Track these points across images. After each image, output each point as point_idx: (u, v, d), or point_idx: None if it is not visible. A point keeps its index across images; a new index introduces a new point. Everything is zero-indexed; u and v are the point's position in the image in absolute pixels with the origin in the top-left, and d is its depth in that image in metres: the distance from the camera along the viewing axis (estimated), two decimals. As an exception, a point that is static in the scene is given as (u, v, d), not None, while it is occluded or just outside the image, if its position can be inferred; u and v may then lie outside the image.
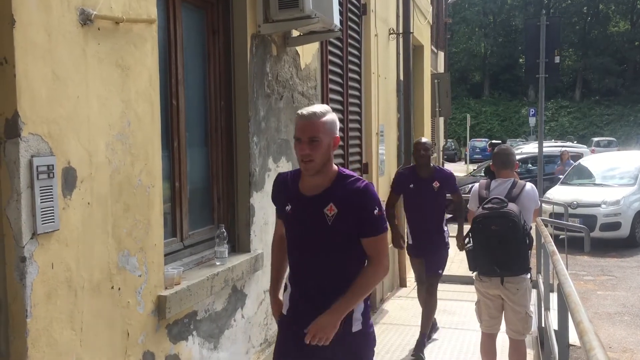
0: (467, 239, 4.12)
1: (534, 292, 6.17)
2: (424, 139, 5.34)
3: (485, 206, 3.97)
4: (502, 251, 3.91)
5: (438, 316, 6.27)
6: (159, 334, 2.70)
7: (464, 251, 4.29)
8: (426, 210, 5.17)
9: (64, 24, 2.14)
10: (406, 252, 5.66)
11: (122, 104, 2.45)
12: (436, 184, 5.13)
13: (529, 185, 4.16)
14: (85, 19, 2.23)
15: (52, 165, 2.07)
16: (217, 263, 3.26)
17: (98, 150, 2.31)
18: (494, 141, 33.25)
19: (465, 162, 27.93)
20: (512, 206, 3.91)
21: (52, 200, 2.07)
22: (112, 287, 2.40)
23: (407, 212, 5.42)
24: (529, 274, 4.09)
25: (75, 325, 2.20)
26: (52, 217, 2.07)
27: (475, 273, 4.19)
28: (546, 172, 13.07)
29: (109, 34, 2.37)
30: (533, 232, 6.50)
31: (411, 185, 5.20)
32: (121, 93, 2.44)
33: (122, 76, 2.45)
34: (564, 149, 16.46)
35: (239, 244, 3.64)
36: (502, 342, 4.40)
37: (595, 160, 14.00)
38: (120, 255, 2.44)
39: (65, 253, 2.15)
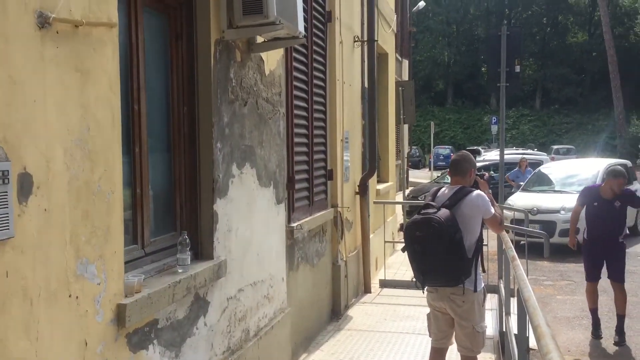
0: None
1: (495, 296, 6.27)
2: None
3: (420, 212, 3.84)
4: (426, 258, 3.75)
5: (402, 322, 6.32)
6: (118, 343, 2.65)
7: None
8: None
9: (21, 27, 2.09)
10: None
11: (81, 109, 2.40)
12: None
13: (475, 193, 3.89)
14: (43, 22, 2.18)
15: (7, 170, 2.02)
16: (179, 270, 3.22)
17: (56, 155, 2.26)
18: (468, 148, 33.86)
19: (430, 169, 28.28)
20: (442, 212, 3.72)
21: (6, 207, 2.01)
22: (70, 296, 2.34)
23: None
24: (479, 288, 3.87)
25: (31, 335, 2.14)
26: (7, 224, 2.01)
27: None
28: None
29: (68, 38, 2.32)
30: (493, 239, 6.62)
31: None
32: (80, 98, 2.40)
33: (82, 80, 2.41)
34: (522, 156, 16.77)
35: (201, 251, 3.60)
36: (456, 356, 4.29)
37: (555, 168, 14.32)
38: (78, 263, 2.39)
39: (21, 261, 2.09)
